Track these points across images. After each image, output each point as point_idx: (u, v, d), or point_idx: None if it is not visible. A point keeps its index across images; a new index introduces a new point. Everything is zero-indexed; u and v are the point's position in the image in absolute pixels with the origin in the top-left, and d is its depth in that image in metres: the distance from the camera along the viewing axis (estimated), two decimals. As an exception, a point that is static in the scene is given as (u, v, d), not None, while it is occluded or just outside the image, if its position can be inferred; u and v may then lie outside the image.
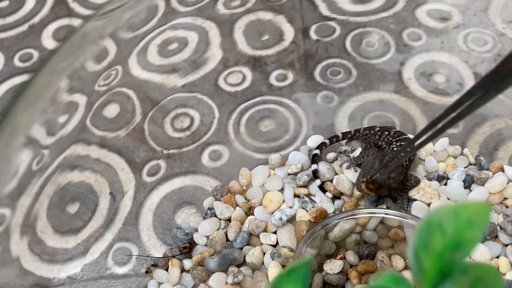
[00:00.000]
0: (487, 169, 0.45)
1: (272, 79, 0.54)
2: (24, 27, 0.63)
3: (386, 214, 0.41)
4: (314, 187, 0.45)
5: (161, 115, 0.51)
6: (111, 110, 0.46)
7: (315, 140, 0.49)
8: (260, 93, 0.54)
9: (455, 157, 0.46)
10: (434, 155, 0.46)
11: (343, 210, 0.43)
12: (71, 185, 0.44)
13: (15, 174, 0.33)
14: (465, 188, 0.43)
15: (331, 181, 0.45)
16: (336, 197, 0.44)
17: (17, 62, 0.59)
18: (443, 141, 0.47)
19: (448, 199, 0.43)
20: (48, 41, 0.61)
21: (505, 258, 0.39)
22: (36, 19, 0.63)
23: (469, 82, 0.52)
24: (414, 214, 0.42)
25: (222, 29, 0.57)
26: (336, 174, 0.46)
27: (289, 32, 0.57)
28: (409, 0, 0.55)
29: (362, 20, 0.56)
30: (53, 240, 0.43)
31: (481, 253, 0.39)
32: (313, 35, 0.56)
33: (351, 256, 0.41)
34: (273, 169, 0.47)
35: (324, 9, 0.57)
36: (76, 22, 0.63)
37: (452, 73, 0.52)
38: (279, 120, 0.52)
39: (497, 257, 0.40)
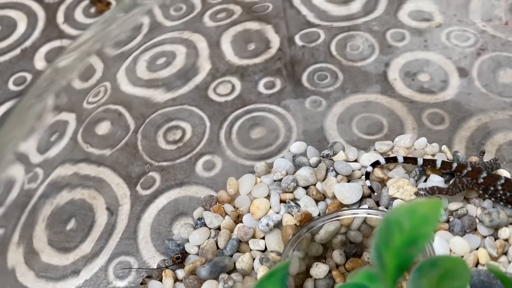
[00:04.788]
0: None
1: (261, 87, 0.55)
2: (17, 51, 0.64)
3: (368, 214, 0.42)
4: (299, 192, 0.46)
5: (153, 129, 0.52)
6: (103, 127, 0.47)
7: (298, 146, 0.50)
8: (250, 102, 0.54)
9: (433, 155, 0.47)
10: (413, 153, 0.47)
11: (327, 212, 0.44)
12: (67, 203, 0.45)
13: (7, 192, 0.34)
14: (445, 183, 0.44)
15: (315, 185, 0.46)
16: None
17: (11, 86, 0.60)
18: (420, 141, 0.48)
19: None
20: (41, 64, 0.63)
21: (484, 250, 0.40)
22: (28, 43, 0.64)
23: (453, 78, 0.52)
24: None
25: (209, 41, 0.58)
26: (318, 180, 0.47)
27: (275, 40, 0.58)
28: (390, 2, 0.57)
29: (346, 25, 0.57)
30: (52, 257, 0.44)
31: (461, 246, 0.40)
32: (298, 41, 0.57)
33: (336, 257, 0.41)
34: (260, 177, 0.48)
35: (308, 16, 0.58)
36: (67, 43, 0.64)
37: (436, 71, 0.53)
38: (270, 127, 0.53)
39: (477, 248, 0.40)
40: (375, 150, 0.48)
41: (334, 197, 0.44)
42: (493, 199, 0.42)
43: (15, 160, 0.35)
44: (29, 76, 0.61)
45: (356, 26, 0.57)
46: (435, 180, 0.44)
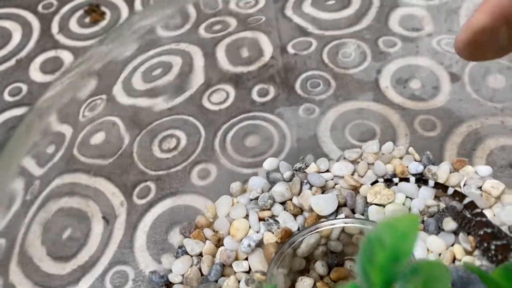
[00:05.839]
0: (433, 164, 0.47)
1: (255, 95, 0.56)
2: (12, 61, 0.64)
3: (345, 223, 0.43)
4: (276, 208, 0.46)
5: (148, 138, 0.53)
6: (98, 137, 0.48)
7: (270, 163, 0.50)
8: (244, 110, 0.55)
9: (401, 158, 0.48)
10: (381, 158, 0.48)
11: (305, 225, 0.44)
12: (64, 213, 0.45)
13: (9, 205, 0.35)
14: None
15: (291, 199, 0.46)
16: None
17: (7, 97, 0.61)
18: (388, 145, 0.49)
19: (407, 197, 0.45)
20: (36, 74, 0.63)
21: (459, 245, 0.41)
22: (23, 53, 0.65)
23: (445, 84, 0.53)
24: (371, 219, 0.44)
25: (204, 51, 0.58)
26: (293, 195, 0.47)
27: (268, 49, 0.59)
28: (380, 8, 0.57)
29: (338, 33, 0.58)
30: (50, 267, 0.44)
31: (437, 244, 0.41)
32: (290, 49, 0.58)
33: (319, 268, 0.42)
34: (236, 197, 0.48)
35: (300, 25, 0.59)
36: (62, 53, 0.65)
37: (428, 78, 0.54)
38: (264, 134, 0.53)
39: (452, 245, 0.42)
40: (345, 158, 0.49)
41: (311, 210, 0.45)
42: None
43: (19, 174, 0.35)
44: (24, 87, 0.62)
45: (348, 34, 0.58)
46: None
